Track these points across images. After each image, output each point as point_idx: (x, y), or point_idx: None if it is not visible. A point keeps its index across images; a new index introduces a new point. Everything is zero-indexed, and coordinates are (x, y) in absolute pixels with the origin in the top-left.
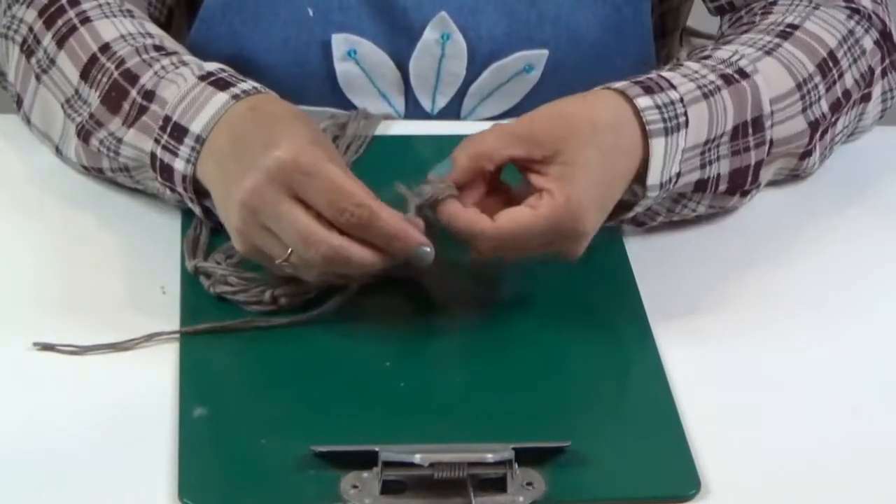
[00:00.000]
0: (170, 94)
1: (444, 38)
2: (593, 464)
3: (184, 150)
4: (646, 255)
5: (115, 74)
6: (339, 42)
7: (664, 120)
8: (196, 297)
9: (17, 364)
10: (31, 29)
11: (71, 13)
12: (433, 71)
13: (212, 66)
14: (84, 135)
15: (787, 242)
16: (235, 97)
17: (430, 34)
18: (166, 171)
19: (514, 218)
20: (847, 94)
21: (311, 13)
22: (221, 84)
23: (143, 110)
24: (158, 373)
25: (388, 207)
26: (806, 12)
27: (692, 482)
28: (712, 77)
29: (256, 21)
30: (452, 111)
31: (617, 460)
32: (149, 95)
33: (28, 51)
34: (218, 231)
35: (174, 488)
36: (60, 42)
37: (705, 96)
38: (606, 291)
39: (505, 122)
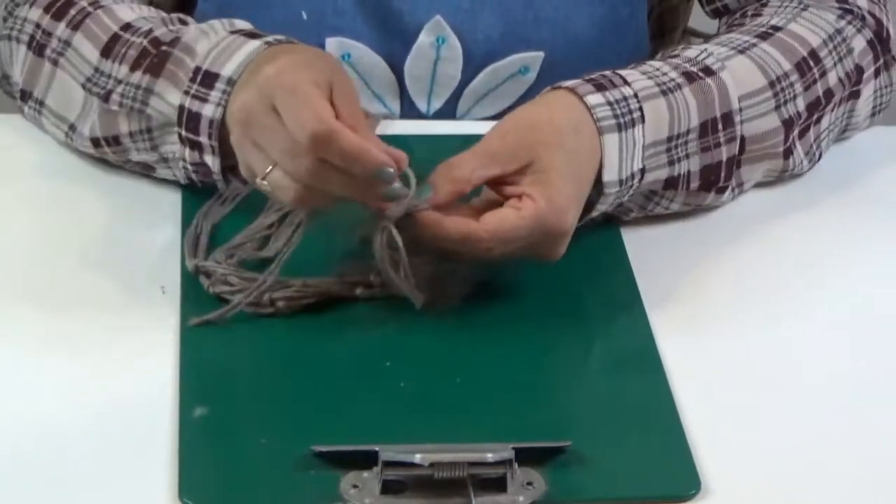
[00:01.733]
0: (200, 45)
1: (439, 41)
2: (593, 464)
3: (214, 95)
4: (644, 253)
5: (146, 43)
6: (333, 46)
7: (615, 116)
8: (196, 297)
9: (18, 364)
10: (38, 26)
11: (83, 3)
12: (428, 73)
13: (242, 23)
14: (105, 95)
15: (787, 239)
16: (267, 43)
17: (424, 38)
18: (192, 121)
19: (500, 220)
20: (829, 93)
21: (304, 17)
22: (253, 35)
23: (166, 56)
24: (158, 373)
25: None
26: (793, 14)
27: (692, 482)
28: (673, 74)
29: (249, 21)
30: (448, 112)
31: (617, 460)
32: (174, 42)
33: (38, 46)
34: (217, 230)
35: (174, 488)
36: (76, 27)
37: (664, 93)
38: (605, 290)
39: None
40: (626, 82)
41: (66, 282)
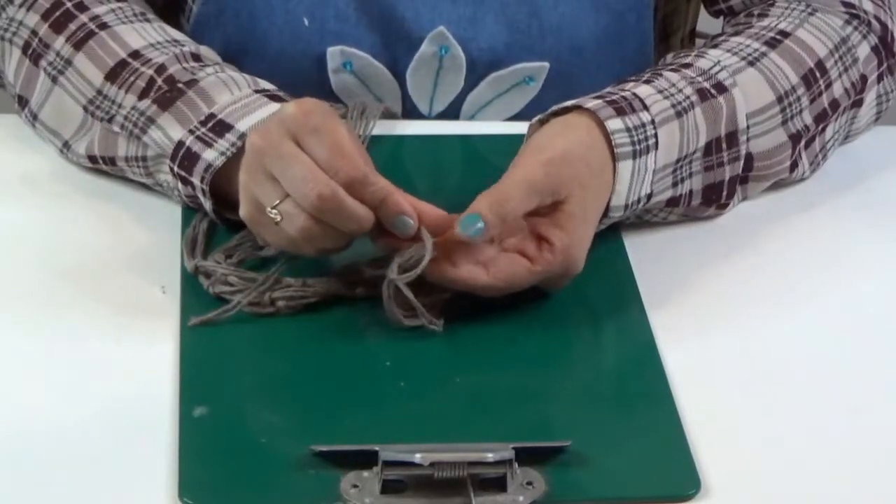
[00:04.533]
0: (220, 97)
1: (442, 51)
2: (593, 464)
3: (221, 143)
4: (645, 253)
5: (160, 81)
6: (334, 55)
7: (632, 143)
8: (196, 297)
9: (17, 363)
10: (34, 33)
11: (83, 17)
12: (430, 81)
13: (267, 84)
14: (109, 117)
15: (787, 240)
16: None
17: (427, 47)
18: (187, 160)
19: (511, 275)
20: (835, 103)
21: (306, 23)
22: (277, 98)
23: (179, 93)
24: (158, 372)
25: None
26: (800, 18)
27: (692, 482)
28: (688, 91)
29: (252, 29)
30: (451, 116)
31: (617, 460)
32: (191, 83)
33: (34, 55)
34: (216, 230)
35: (174, 488)
36: (77, 45)
37: (678, 115)
38: (606, 290)
39: (519, 166)
40: (644, 106)
41: (66, 282)
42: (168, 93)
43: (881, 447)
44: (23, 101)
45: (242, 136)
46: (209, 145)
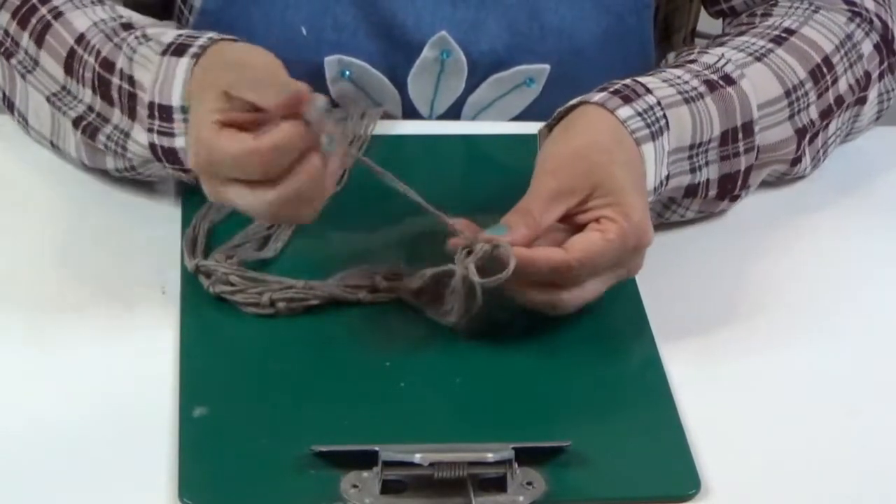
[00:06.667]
0: (145, 78)
1: (443, 55)
2: (593, 464)
3: (178, 127)
4: (647, 258)
5: (97, 67)
6: (332, 64)
7: (647, 125)
8: (196, 297)
9: (17, 364)
10: (6, 32)
11: (43, 10)
12: (431, 86)
13: (169, 35)
14: (90, 132)
15: (788, 243)
16: (195, 56)
17: (429, 52)
18: (171, 155)
19: (587, 244)
20: (840, 99)
21: (304, 32)
22: (180, 50)
23: (132, 97)
24: (158, 373)
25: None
26: (805, 16)
27: (692, 482)
28: (695, 83)
29: (249, 40)
30: (451, 119)
31: (617, 460)
32: (131, 81)
33: (7, 53)
34: (216, 230)
35: (174, 488)
36: (38, 41)
37: (686, 101)
38: (606, 293)
39: (533, 181)
40: (648, 90)
41: (66, 282)
42: (130, 100)
43: (881, 448)
44: (11, 105)
45: (184, 109)
46: (172, 135)
